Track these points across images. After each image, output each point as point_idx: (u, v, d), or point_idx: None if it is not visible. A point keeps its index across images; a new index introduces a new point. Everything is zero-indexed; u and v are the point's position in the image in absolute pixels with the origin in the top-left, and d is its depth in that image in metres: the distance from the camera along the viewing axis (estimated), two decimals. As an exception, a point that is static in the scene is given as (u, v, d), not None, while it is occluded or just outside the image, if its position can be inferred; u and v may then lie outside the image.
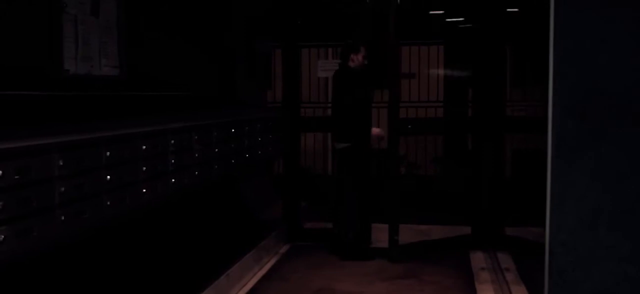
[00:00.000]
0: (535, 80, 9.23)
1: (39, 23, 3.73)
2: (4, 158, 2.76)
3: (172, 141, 4.27)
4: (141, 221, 4.25)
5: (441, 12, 9.59)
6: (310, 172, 9.18)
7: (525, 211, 5.90)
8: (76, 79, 4.02)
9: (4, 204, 2.75)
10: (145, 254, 4.38)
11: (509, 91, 8.39)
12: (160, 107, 5.02)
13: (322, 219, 6.76)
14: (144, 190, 3.90)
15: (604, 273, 3.18)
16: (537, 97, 8.37)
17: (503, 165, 6.58)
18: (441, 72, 10.05)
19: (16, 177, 2.82)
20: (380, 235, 6.21)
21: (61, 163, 3.11)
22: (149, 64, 4.89)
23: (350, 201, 6.09)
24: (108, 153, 3.51)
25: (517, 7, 6.98)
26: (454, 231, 6.43)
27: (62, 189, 3.12)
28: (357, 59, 6.09)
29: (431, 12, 9.75)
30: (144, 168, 3.90)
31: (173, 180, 4.28)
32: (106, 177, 3.49)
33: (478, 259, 5.92)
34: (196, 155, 4.62)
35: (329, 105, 9.86)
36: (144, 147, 3.90)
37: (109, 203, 3.51)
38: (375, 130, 6.10)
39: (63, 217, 3.12)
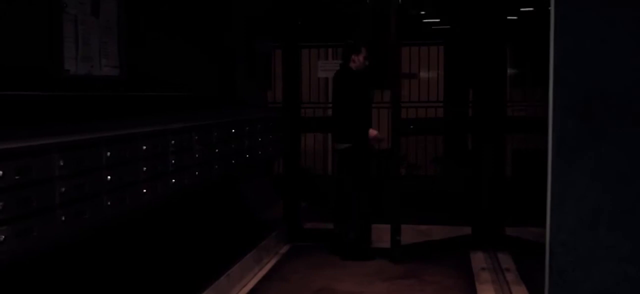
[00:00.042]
0: (536, 80, 9.23)
1: (39, 23, 3.73)
2: (4, 158, 2.76)
3: (173, 141, 4.27)
4: (141, 221, 4.25)
5: (442, 13, 9.60)
6: (311, 173, 9.18)
7: (525, 211, 5.90)
8: (76, 79, 4.02)
9: (4, 204, 2.75)
10: (145, 254, 4.38)
11: (509, 91, 8.39)
12: (161, 108, 5.02)
13: (322, 220, 6.76)
14: (144, 190, 3.90)
15: (604, 273, 3.18)
16: (537, 97, 8.38)
17: (503, 165, 6.57)
18: (441, 72, 10.05)
19: (16, 177, 2.82)
20: (380, 235, 6.22)
21: (61, 163, 3.11)
22: (149, 64, 4.89)
23: (351, 202, 6.09)
24: (108, 153, 3.51)
25: (517, 13, 6.99)
26: (454, 231, 6.43)
27: (63, 189, 3.12)
28: (358, 60, 6.09)
29: (432, 14, 9.75)
30: (144, 168, 3.90)
31: (173, 180, 4.28)
32: (106, 177, 3.49)
33: (478, 259, 5.92)
34: (196, 155, 4.62)
35: (329, 105, 9.87)
36: (144, 147, 3.90)
37: (109, 203, 3.51)
38: (372, 132, 6.09)
39: (63, 218, 3.12)
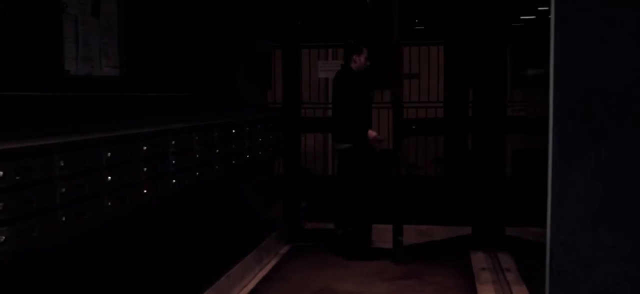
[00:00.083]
0: (536, 80, 9.24)
1: (39, 23, 3.73)
2: (4, 159, 2.76)
3: (173, 142, 4.27)
4: (142, 221, 4.25)
5: (442, 13, 9.60)
6: (311, 173, 9.18)
7: (525, 211, 5.90)
8: (77, 79, 4.02)
9: (4, 204, 2.75)
10: (146, 254, 4.38)
11: (509, 91, 8.39)
12: (161, 108, 5.02)
13: (322, 220, 6.75)
14: (145, 191, 3.90)
15: (604, 273, 3.18)
16: (537, 97, 8.39)
17: (503, 165, 6.58)
18: (441, 72, 10.05)
19: (17, 177, 2.82)
20: (380, 235, 6.22)
21: (62, 164, 3.11)
22: (149, 64, 4.89)
23: (351, 202, 6.10)
24: (109, 154, 3.51)
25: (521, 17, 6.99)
26: (454, 231, 6.43)
27: (63, 189, 3.12)
28: (359, 61, 6.09)
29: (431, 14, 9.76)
30: (145, 169, 3.90)
31: (174, 181, 4.28)
32: (107, 177, 3.49)
33: (479, 259, 5.92)
34: (197, 156, 4.62)
35: (329, 106, 9.88)
36: (145, 147, 3.90)
37: (109, 204, 3.51)
38: (371, 133, 6.10)
39: (64, 218, 3.12)
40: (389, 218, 6.04)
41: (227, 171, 5.24)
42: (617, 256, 3.16)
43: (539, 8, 8.64)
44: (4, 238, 2.74)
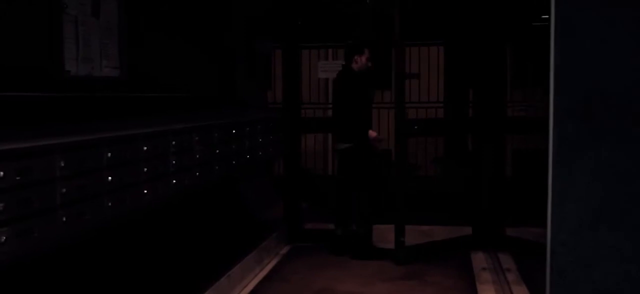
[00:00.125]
0: (536, 81, 9.25)
1: (39, 24, 3.73)
2: (5, 159, 2.76)
3: (173, 142, 4.27)
4: (142, 221, 4.26)
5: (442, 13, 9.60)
6: (311, 173, 9.18)
7: (525, 211, 5.90)
8: (77, 80, 4.03)
9: (5, 205, 2.75)
10: (146, 255, 4.38)
11: (510, 91, 8.40)
12: (161, 108, 5.03)
13: (322, 220, 6.76)
14: (145, 191, 3.90)
15: (605, 273, 3.18)
16: (537, 97, 8.40)
17: (503, 165, 6.58)
18: (441, 72, 10.06)
19: (17, 178, 2.82)
20: (381, 236, 6.22)
21: (62, 164, 3.11)
22: (149, 64, 4.89)
23: (353, 202, 6.10)
24: (109, 154, 3.51)
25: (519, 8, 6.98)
26: (455, 231, 6.43)
27: (64, 190, 3.12)
28: (360, 61, 6.09)
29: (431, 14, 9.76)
30: (145, 169, 3.90)
31: (174, 181, 4.28)
32: (107, 178, 3.49)
33: (479, 259, 5.92)
34: (197, 156, 4.63)
35: (329, 106, 9.89)
36: (145, 148, 3.91)
37: (110, 204, 3.51)
38: (372, 133, 6.11)
39: (64, 218, 3.13)
40: (389, 218, 6.04)
41: (227, 172, 5.24)
42: (617, 256, 3.16)
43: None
44: (4, 238, 2.74)
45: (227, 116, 5.64)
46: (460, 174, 7.91)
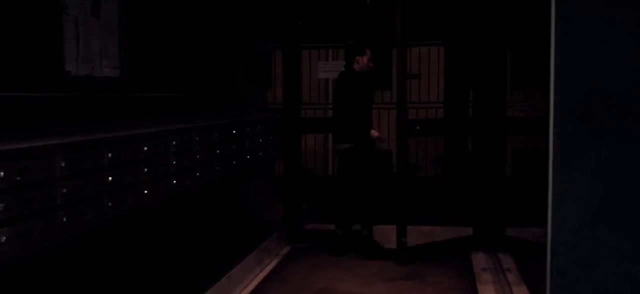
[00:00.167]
0: (536, 81, 9.24)
1: (39, 24, 3.74)
2: (5, 159, 2.76)
3: (174, 142, 4.28)
4: (143, 222, 4.26)
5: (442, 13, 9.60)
6: (311, 174, 9.18)
7: (525, 211, 5.90)
8: (77, 80, 4.03)
9: (5, 205, 2.75)
10: (146, 255, 4.38)
11: (510, 91, 8.40)
12: (161, 108, 5.03)
13: (323, 221, 6.76)
14: (146, 191, 3.90)
15: (605, 273, 3.18)
16: (537, 98, 8.40)
17: (503, 165, 6.58)
18: (441, 73, 10.06)
19: (18, 178, 2.83)
20: (381, 236, 6.22)
21: (63, 164, 3.12)
22: (149, 65, 4.90)
23: (354, 202, 6.11)
24: (109, 154, 3.51)
25: (519, 8, 6.98)
26: (455, 231, 6.43)
27: (64, 190, 3.12)
28: (362, 61, 6.09)
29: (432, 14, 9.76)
30: (146, 169, 3.91)
31: (174, 181, 4.28)
32: (108, 178, 3.50)
33: (480, 259, 5.92)
34: (197, 156, 4.63)
35: (330, 106, 9.89)
36: (146, 148, 3.91)
37: (110, 204, 3.51)
38: (374, 133, 6.11)
39: (65, 219, 3.13)
40: (389, 218, 6.05)
41: (227, 172, 5.24)
42: (617, 256, 3.16)
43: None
44: (5, 238, 2.75)
45: (227, 116, 5.64)
46: (461, 174, 7.91)
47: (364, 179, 6.11)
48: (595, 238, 3.17)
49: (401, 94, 5.83)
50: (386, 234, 6.16)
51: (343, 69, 6.28)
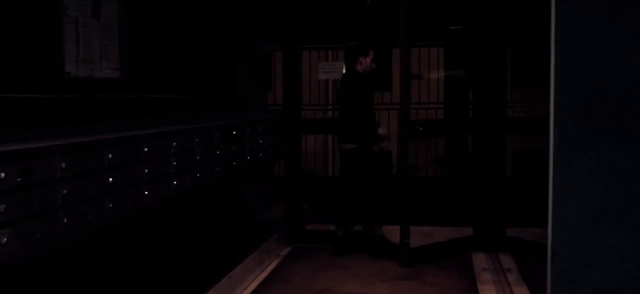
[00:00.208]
0: (536, 81, 9.25)
1: (39, 25, 3.74)
2: (6, 160, 2.77)
3: (174, 143, 4.28)
4: (143, 223, 4.26)
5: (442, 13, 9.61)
6: (311, 174, 9.18)
7: (525, 211, 5.90)
8: (77, 81, 4.03)
9: (6, 206, 2.75)
10: (147, 256, 4.39)
11: (510, 91, 8.40)
12: (162, 109, 5.03)
13: (323, 221, 6.76)
14: (146, 192, 3.90)
15: (605, 273, 3.18)
16: (537, 98, 8.40)
17: (504, 166, 6.58)
18: (441, 73, 10.06)
19: (18, 179, 2.83)
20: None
21: (63, 165, 3.12)
22: (149, 66, 4.90)
23: (355, 202, 6.12)
24: (110, 155, 3.52)
25: (519, 9, 6.99)
26: (456, 232, 6.43)
27: (64, 191, 3.13)
28: (365, 62, 6.10)
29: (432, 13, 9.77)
30: (146, 170, 3.91)
31: (175, 182, 4.28)
32: (108, 179, 3.50)
33: (480, 260, 5.92)
34: (198, 157, 4.63)
35: (330, 107, 9.90)
36: (146, 149, 3.91)
37: (111, 205, 3.52)
38: (381, 130, 6.13)
39: (65, 220, 3.13)
40: (390, 219, 6.05)
41: (227, 173, 5.24)
42: (617, 256, 3.16)
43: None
44: (5, 239, 2.75)
45: (228, 116, 5.64)
46: (461, 175, 7.91)
47: (372, 179, 6.11)
48: (596, 238, 3.17)
49: (404, 95, 5.83)
50: (386, 234, 6.17)
51: (344, 70, 6.28)
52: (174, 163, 4.27)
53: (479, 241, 6.23)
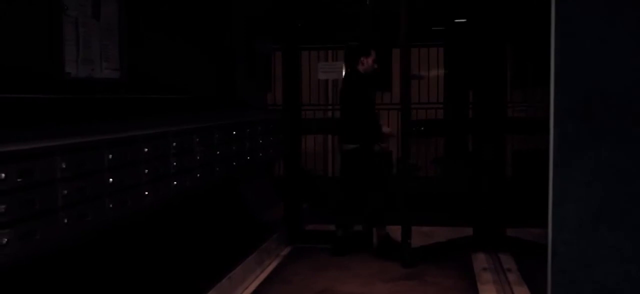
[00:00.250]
0: (536, 81, 9.25)
1: (39, 25, 3.74)
2: (6, 161, 2.77)
3: (174, 143, 4.28)
4: (143, 223, 4.26)
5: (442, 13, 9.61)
6: (311, 174, 9.18)
7: (525, 211, 5.90)
8: (77, 81, 4.03)
9: (6, 206, 2.75)
10: (147, 256, 4.39)
11: (510, 91, 8.41)
12: (162, 109, 5.03)
13: (323, 221, 6.76)
14: (146, 192, 3.90)
15: (605, 273, 3.18)
16: (537, 98, 8.40)
17: (504, 166, 6.58)
18: (441, 73, 10.07)
19: (19, 180, 2.83)
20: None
21: (63, 166, 3.12)
22: (150, 66, 4.90)
23: (362, 203, 6.13)
24: (110, 156, 3.52)
25: (519, 8, 7.00)
26: (456, 232, 6.43)
27: (65, 191, 3.12)
28: (367, 62, 6.10)
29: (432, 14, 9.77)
30: (146, 170, 3.91)
31: (175, 182, 4.28)
32: (108, 179, 3.50)
33: (480, 260, 5.93)
34: (198, 157, 4.63)
35: (330, 107, 9.90)
36: (146, 149, 3.91)
37: (111, 206, 3.52)
38: (386, 129, 6.13)
39: (66, 220, 3.13)
40: (391, 219, 6.05)
41: (227, 173, 5.24)
42: (617, 256, 3.16)
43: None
44: (6, 240, 2.75)
45: (228, 117, 5.64)
46: (461, 175, 7.90)
47: (375, 179, 6.12)
48: (596, 237, 3.17)
49: (405, 95, 5.83)
50: (390, 234, 6.17)
51: (345, 70, 6.29)
52: (174, 163, 4.27)
53: (479, 241, 6.23)
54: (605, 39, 3.12)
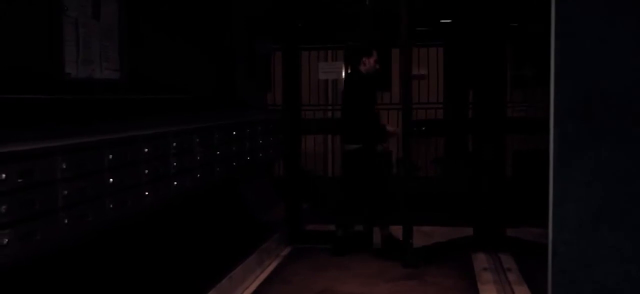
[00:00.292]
0: (536, 81, 9.26)
1: (39, 26, 3.74)
2: (7, 161, 2.77)
3: (174, 144, 4.28)
4: (143, 223, 4.26)
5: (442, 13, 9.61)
6: (311, 174, 9.19)
7: (525, 211, 5.90)
8: (77, 82, 4.03)
9: (7, 207, 2.75)
10: (147, 256, 4.39)
11: (510, 91, 8.42)
12: (162, 110, 5.03)
13: (323, 222, 6.76)
14: (146, 192, 3.91)
15: (605, 273, 3.18)
16: (537, 98, 8.41)
17: (504, 166, 6.58)
18: (441, 73, 10.06)
19: (19, 180, 2.83)
20: (380, 235, 6.22)
21: (64, 166, 3.12)
22: (149, 66, 4.90)
23: (363, 203, 6.13)
24: (110, 156, 3.52)
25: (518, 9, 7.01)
26: (456, 232, 6.43)
27: (65, 192, 3.13)
28: (368, 63, 6.11)
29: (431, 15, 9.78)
30: (146, 171, 3.91)
31: (175, 182, 4.28)
32: (108, 180, 3.50)
33: (480, 259, 5.93)
34: (198, 157, 4.63)
35: (330, 107, 9.90)
36: (146, 150, 3.91)
37: (111, 206, 3.52)
38: (389, 128, 6.14)
39: (66, 220, 3.13)
40: (391, 219, 6.05)
41: (227, 173, 5.25)
42: (617, 256, 3.16)
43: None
44: (6, 240, 2.75)
45: (228, 117, 5.64)
46: (461, 175, 7.90)
47: (376, 179, 6.12)
48: (596, 237, 3.17)
49: (406, 95, 5.83)
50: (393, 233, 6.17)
51: (348, 70, 6.29)
52: (174, 163, 4.27)
53: (479, 241, 6.23)
54: (605, 39, 3.12)
